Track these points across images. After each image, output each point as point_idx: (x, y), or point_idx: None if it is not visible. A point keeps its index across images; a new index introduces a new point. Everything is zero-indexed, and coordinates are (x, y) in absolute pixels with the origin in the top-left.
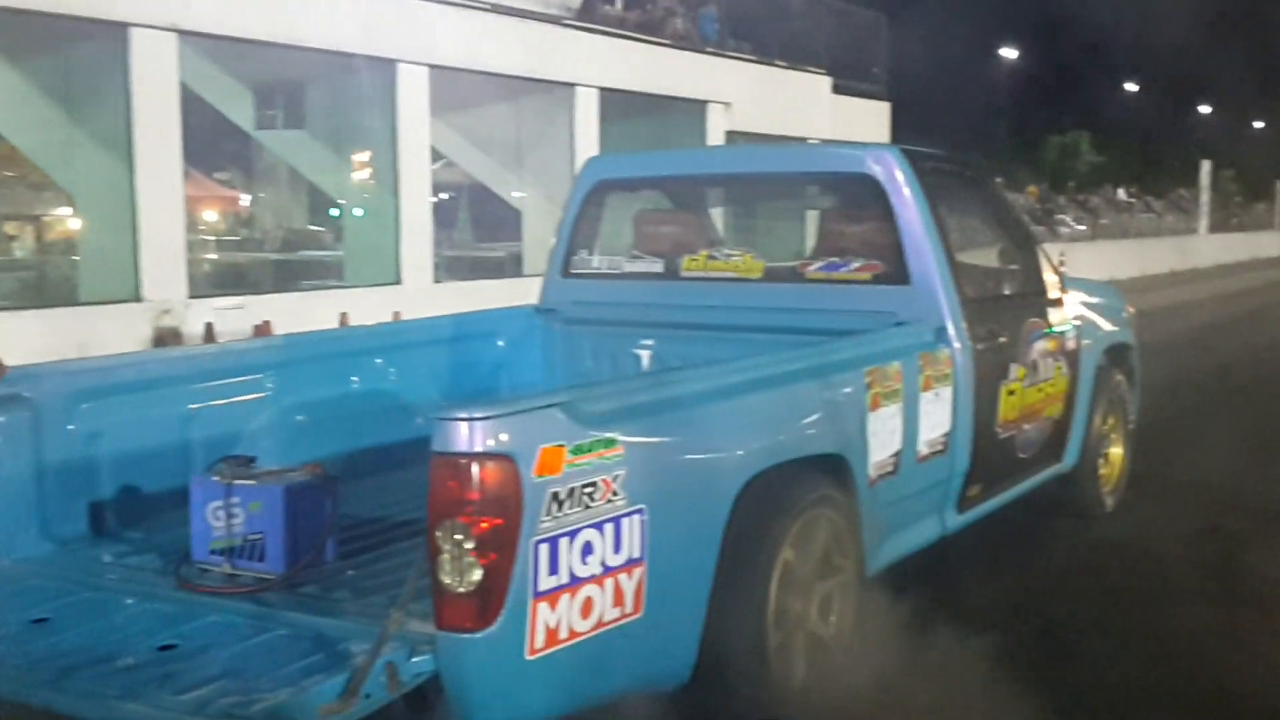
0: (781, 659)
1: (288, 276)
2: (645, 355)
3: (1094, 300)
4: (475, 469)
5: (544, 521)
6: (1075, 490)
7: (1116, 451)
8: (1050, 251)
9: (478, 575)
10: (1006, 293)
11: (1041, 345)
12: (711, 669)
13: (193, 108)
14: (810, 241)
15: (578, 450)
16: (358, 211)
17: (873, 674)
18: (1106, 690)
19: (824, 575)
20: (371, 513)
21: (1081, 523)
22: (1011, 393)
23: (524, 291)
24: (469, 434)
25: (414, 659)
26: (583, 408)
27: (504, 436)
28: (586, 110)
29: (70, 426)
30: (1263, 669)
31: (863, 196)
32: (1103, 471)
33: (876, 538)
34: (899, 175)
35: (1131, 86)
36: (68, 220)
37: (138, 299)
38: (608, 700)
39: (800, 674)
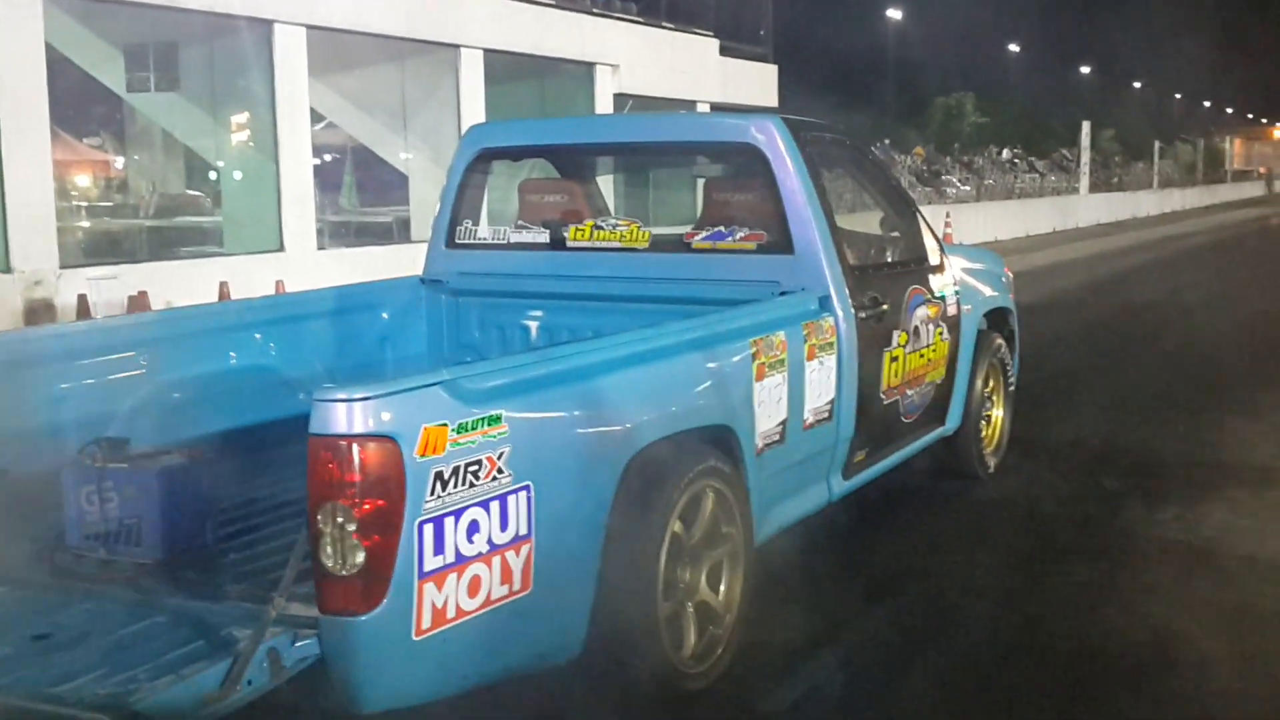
0: (672, 629)
1: (165, 244)
2: (532, 326)
3: (974, 266)
4: (356, 451)
5: (428, 502)
6: (958, 453)
7: (997, 414)
8: (936, 213)
9: (361, 558)
10: (888, 260)
11: (923, 311)
12: (602, 642)
13: (60, 70)
14: (698, 210)
15: (461, 429)
16: (237, 175)
17: (763, 640)
18: (990, 650)
19: (713, 545)
20: (253, 492)
21: (965, 484)
22: (894, 359)
23: (411, 258)
24: (348, 415)
25: (298, 644)
26: (466, 385)
27: (385, 416)
28: (472, 72)
29: None
30: (1138, 625)
31: (746, 166)
32: (984, 434)
33: (765, 506)
34: (781, 145)
35: (1015, 47)
36: None
37: (7, 270)
38: (499, 677)
39: (691, 643)
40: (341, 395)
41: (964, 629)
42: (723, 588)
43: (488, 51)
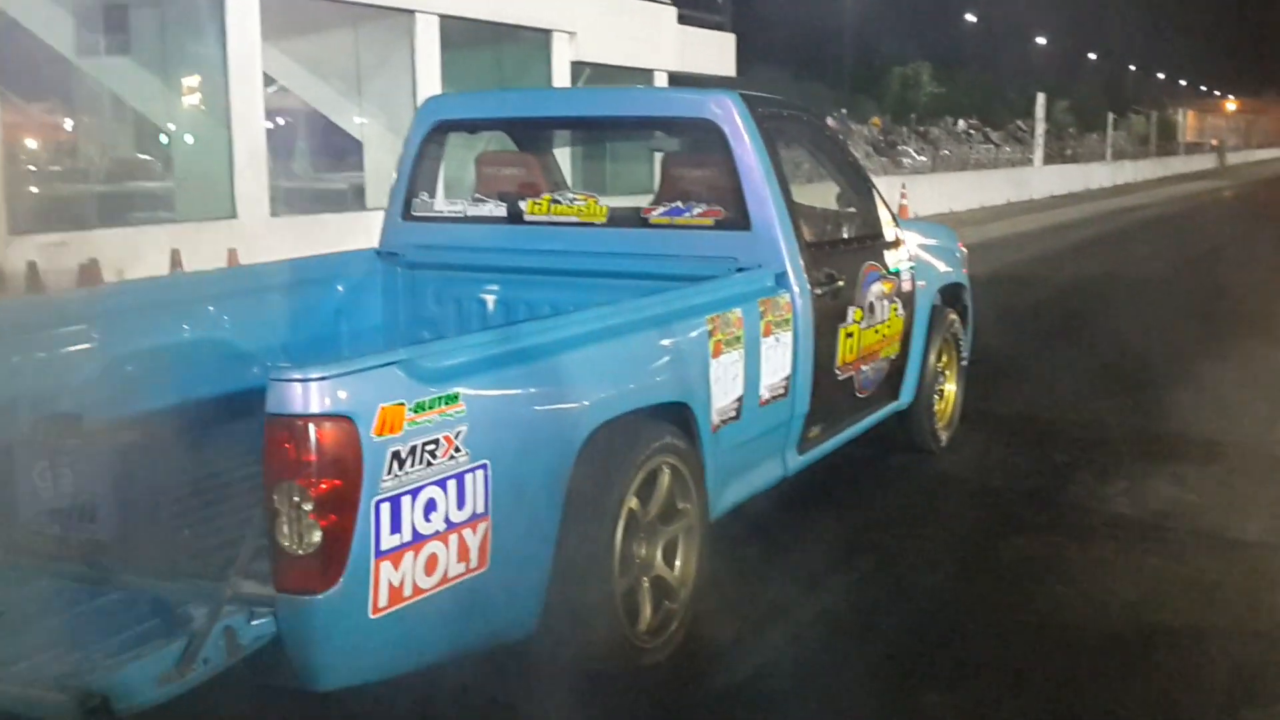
0: (628, 604)
1: (116, 210)
2: (489, 300)
3: (929, 241)
4: (312, 430)
5: (385, 481)
6: (911, 427)
7: (950, 388)
8: (892, 184)
9: (317, 537)
10: (844, 236)
11: (878, 287)
12: (558, 617)
13: (9, 33)
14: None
15: (419, 408)
16: (188, 141)
17: (718, 614)
18: (941, 623)
19: (669, 520)
20: (207, 467)
21: (917, 458)
22: (849, 335)
23: (366, 225)
24: (304, 395)
25: (254, 622)
26: (423, 364)
27: (342, 396)
28: (427, 38)
29: None
30: (1083, 599)
31: (704, 141)
32: (937, 408)
33: (721, 482)
34: (739, 120)
35: (971, 17)
36: None
37: None
38: (456, 654)
39: (647, 617)
40: (298, 375)
41: (915, 602)
42: (678, 562)
43: (443, 17)
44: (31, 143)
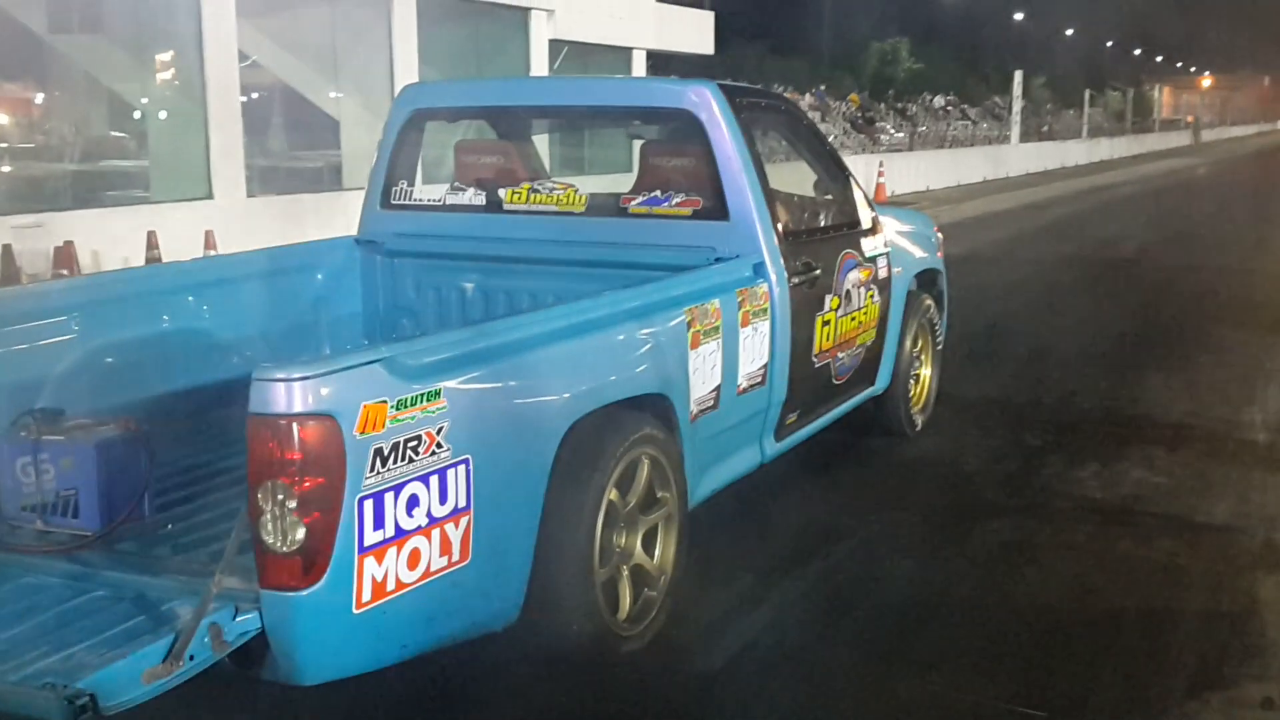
0: (608, 593)
1: (91, 190)
2: (468, 289)
3: (905, 228)
4: (295, 429)
5: (368, 478)
6: (886, 412)
7: (925, 373)
8: (870, 162)
9: (301, 534)
10: (821, 225)
11: (855, 275)
12: (539, 608)
13: None
14: (633, 163)
15: (401, 405)
16: (163, 120)
17: (697, 600)
18: (914, 608)
19: (648, 510)
20: (190, 460)
21: (892, 442)
22: (827, 323)
23: (344, 205)
24: (287, 394)
25: (239, 618)
26: (405, 362)
27: (324, 394)
28: (404, 16)
29: None
30: (1054, 584)
31: (681, 131)
32: (913, 393)
33: (699, 470)
34: (717, 111)
35: None
36: None
37: None
38: (438, 645)
39: (627, 606)
40: (281, 374)
41: (889, 586)
42: (657, 551)
43: None
44: (3, 121)
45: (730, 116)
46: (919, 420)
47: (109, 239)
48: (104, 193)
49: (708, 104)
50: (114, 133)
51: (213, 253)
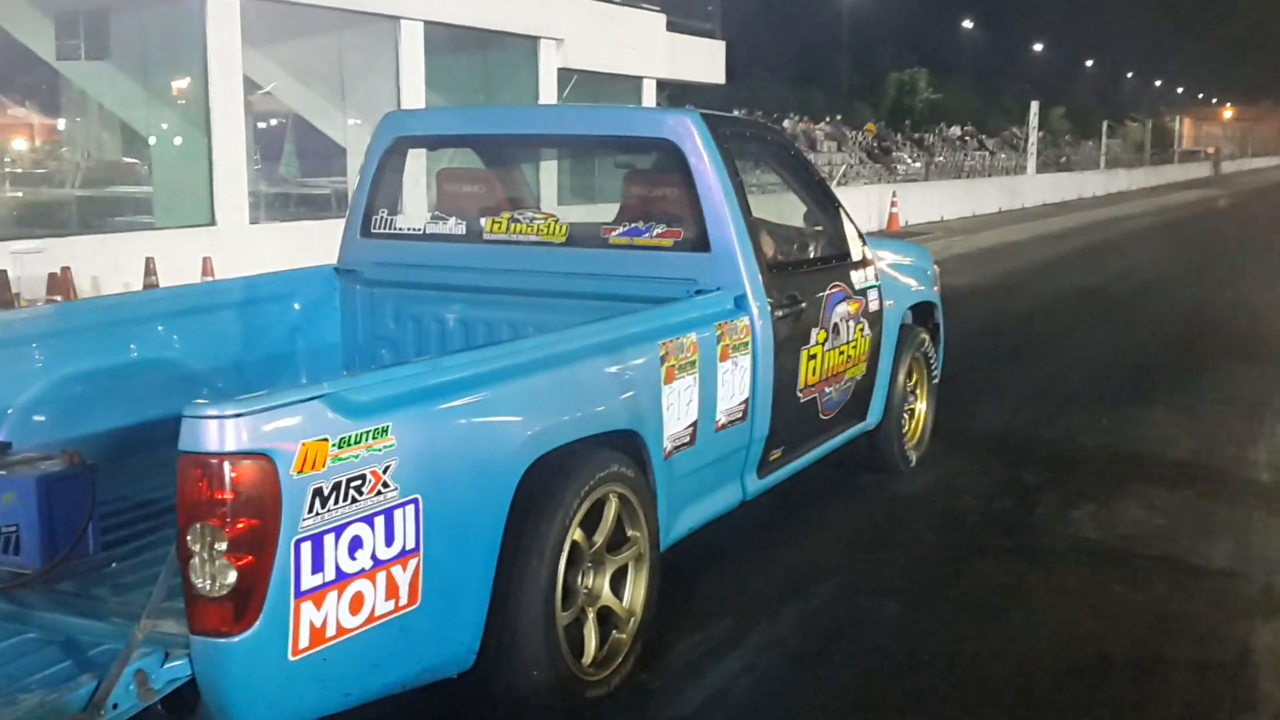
0: (572, 636)
1: (93, 216)
2: (449, 319)
3: (899, 259)
4: (227, 468)
5: (305, 520)
6: (880, 447)
7: (920, 407)
8: (883, 192)
9: (232, 578)
10: (808, 256)
11: (843, 308)
12: (497, 652)
13: None
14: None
15: (343, 443)
16: (167, 147)
17: (669, 643)
18: (897, 654)
19: (616, 549)
20: (144, 494)
21: (884, 478)
22: (813, 356)
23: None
24: (219, 432)
25: (168, 664)
26: (349, 398)
27: (260, 432)
28: (412, 44)
29: None
30: (1043, 628)
31: (663, 162)
32: (906, 428)
33: (674, 508)
34: (698, 141)
35: (968, 24)
36: None
37: None
38: (385, 692)
39: (592, 650)
40: (213, 411)
41: (872, 631)
42: (627, 592)
43: (428, 23)
44: (10, 147)
45: (712, 146)
46: (913, 456)
47: (110, 265)
48: (107, 218)
49: (689, 133)
50: (119, 158)
51: (209, 279)
